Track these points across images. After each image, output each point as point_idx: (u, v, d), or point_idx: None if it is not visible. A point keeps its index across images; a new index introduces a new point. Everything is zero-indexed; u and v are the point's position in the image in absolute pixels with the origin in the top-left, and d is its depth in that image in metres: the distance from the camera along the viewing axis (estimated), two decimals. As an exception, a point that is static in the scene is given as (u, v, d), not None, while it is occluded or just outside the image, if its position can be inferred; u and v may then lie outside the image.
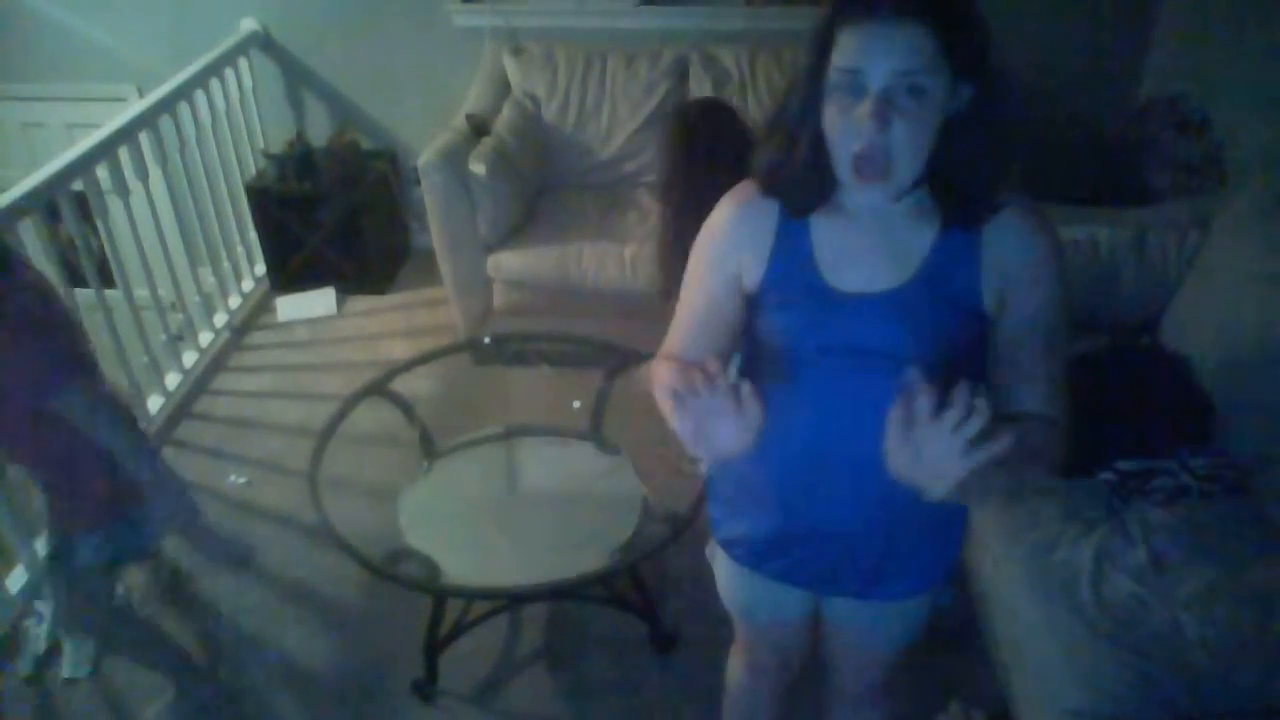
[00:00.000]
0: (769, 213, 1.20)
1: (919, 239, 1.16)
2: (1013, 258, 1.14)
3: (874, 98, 1.03)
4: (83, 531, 1.78)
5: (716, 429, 1.02)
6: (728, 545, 1.45)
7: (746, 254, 1.21)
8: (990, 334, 1.18)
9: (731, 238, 1.22)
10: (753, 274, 1.21)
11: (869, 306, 1.16)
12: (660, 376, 1.25)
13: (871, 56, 1.02)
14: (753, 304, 1.23)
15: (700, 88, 3.35)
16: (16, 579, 2.43)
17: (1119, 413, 2.18)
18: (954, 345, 1.16)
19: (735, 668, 1.72)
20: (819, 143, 1.11)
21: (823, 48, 1.07)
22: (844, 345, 1.17)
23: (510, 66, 3.46)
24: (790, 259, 1.19)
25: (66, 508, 1.77)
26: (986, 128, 1.09)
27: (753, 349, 1.26)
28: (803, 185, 1.16)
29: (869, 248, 1.17)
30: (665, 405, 1.19)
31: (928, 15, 1.01)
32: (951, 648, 2.19)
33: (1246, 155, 2.83)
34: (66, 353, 1.66)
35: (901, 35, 1.01)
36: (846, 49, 1.04)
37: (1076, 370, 2.30)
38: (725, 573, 1.50)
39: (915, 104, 1.03)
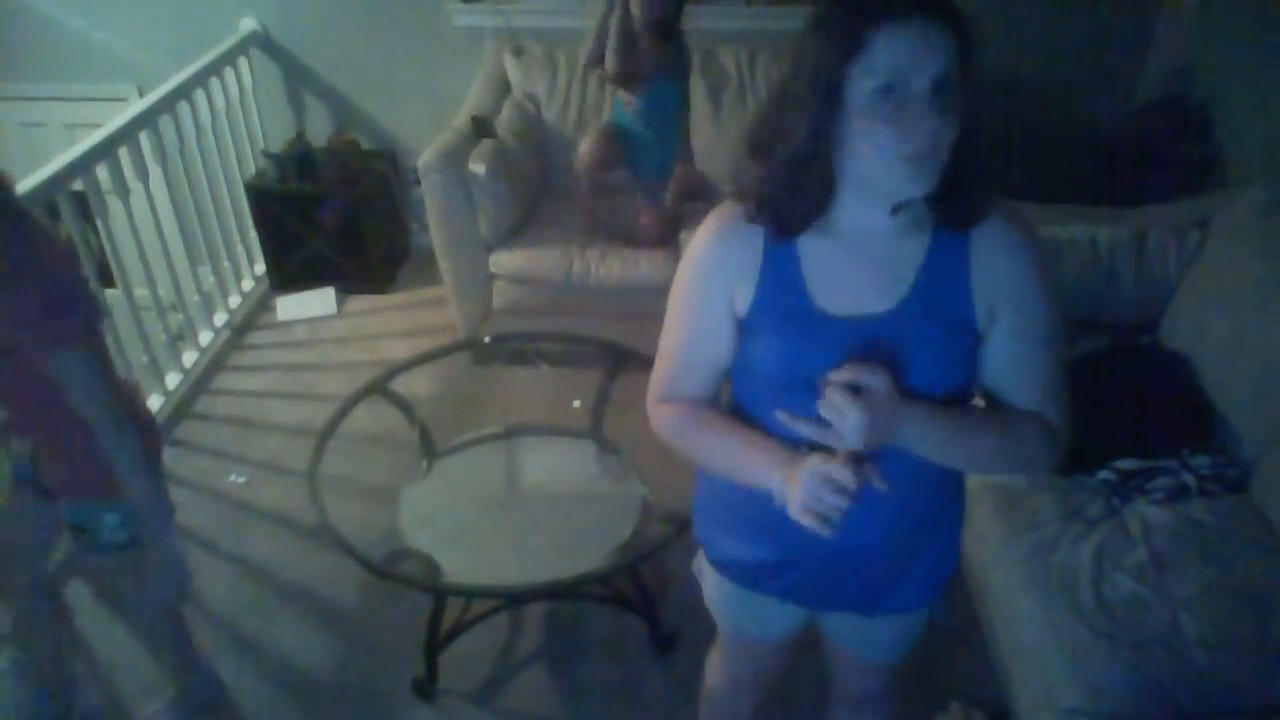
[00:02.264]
0: (754, 235, 1.16)
1: (910, 255, 1.14)
2: (1001, 269, 1.13)
3: (926, 100, 1.00)
4: (100, 505, 1.71)
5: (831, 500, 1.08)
6: (720, 565, 1.42)
7: (736, 278, 1.18)
8: (981, 345, 1.17)
9: (720, 264, 1.19)
10: (743, 298, 1.18)
11: (861, 330, 1.14)
12: (668, 423, 1.26)
13: (915, 58, 0.99)
14: (743, 329, 1.20)
15: (700, 88, 3.35)
16: (16, 579, 2.43)
17: (1119, 413, 2.18)
18: (947, 362, 1.15)
19: (714, 671, 1.71)
20: (822, 157, 1.07)
21: (844, 54, 1.01)
22: (833, 365, 1.13)
23: (510, 66, 3.47)
24: (778, 282, 1.16)
25: (80, 479, 1.70)
26: (973, 129, 1.07)
27: (743, 373, 1.24)
28: (792, 206, 1.13)
29: (860, 269, 1.15)
30: (668, 441, 1.26)
31: (949, 18, 1.01)
32: (952, 647, 2.19)
33: (1246, 155, 2.83)
34: (78, 316, 1.57)
35: (935, 35, 1.00)
36: (883, 53, 1.00)
37: (1076, 370, 2.32)
38: (716, 590, 1.48)
39: (949, 102, 1.02)
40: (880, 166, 1.05)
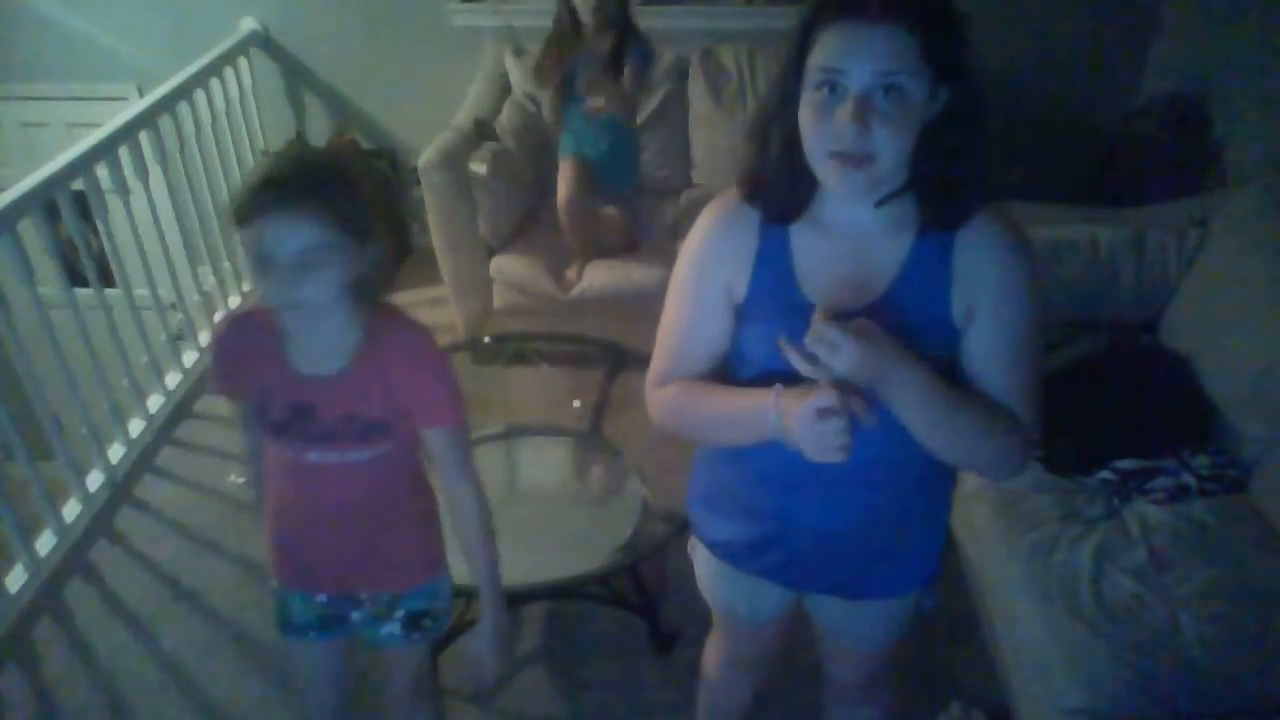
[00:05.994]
0: (750, 222, 1.19)
1: (893, 252, 1.15)
2: (983, 271, 1.14)
3: (854, 99, 1.02)
4: (439, 580, 1.59)
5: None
6: (710, 544, 1.45)
7: (733, 265, 1.20)
8: (959, 343, 1.18)
9: (718, 248, 1.22)
10: (740, 286, 1.21)
11: (842, 320, 1.14)
12: (665, 404, 1.26)
13: (854, 57, 1.01)
14: (739, 315, 1.23)
15: (700, 88, 3.35)
16: (16, 578, 2.43)
17: (1119, 413, 2.19)
18: (926, 357, 1.14)
19: (712, 657, 1.73)
20: (794, 143, 1.10)
21: (800, 47, 1.06)
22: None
23: (510, 66, 3.47)
24: (771, 271, 1.18)
25: (423, 559, 1.56)
26: (963, 131, 1.09)
27: (737, 360, 1.26)
28: (779, 189, 1.15)
29: (845, 262, 1.16)
30: (668, 424, 1.25)
31: (911, 17, 1.01)
32: (952, 647, 2.19)
33: (1246, 155, 2.83)
34: (457, 390, 1.44)
35: (885, 36, 1.01)
36: (827, 48, 1.03)
37: (1076, 370, 2.32)
38: (706, 569, 1.51)
39: (894, 105, 1.02)
40: (816, 161, 1.08)
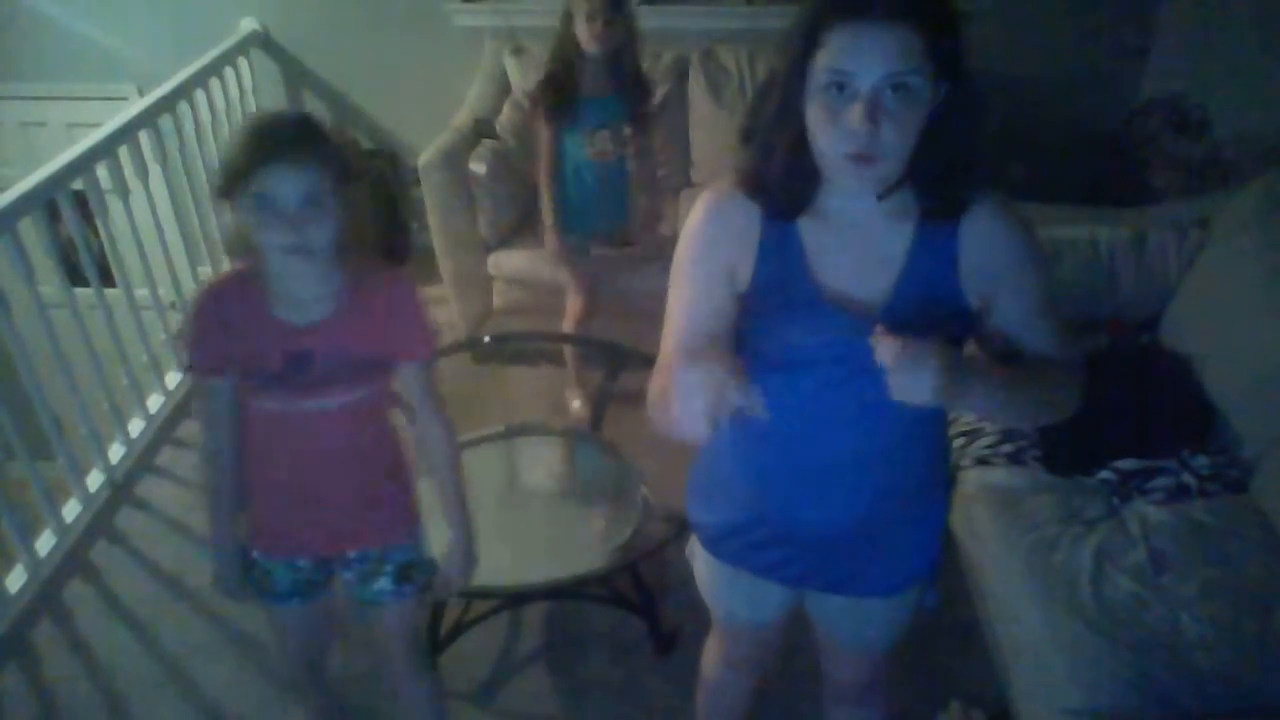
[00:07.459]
0: (751, 212, 1.18)
1: (898, 240, 1.16)
2: (993, 258, 1.16)
3: (865, 100, 1.02)
4: (416, 539, 1.67)
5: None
6: (708, 542, 1.45)
7: (735, 251, 1.19)
8: (974, 323, 1.20)
9: (718, 234, 1.20)
10: (744, 273, 1.19)
11: (857, 314, 1.15)
12: (653, 394, 1.21)
13: (862, 58, 1.02)
14: (743, 305, 1.22)
15: (700, 87, 3.35)
16: (16, 578, 2.43)
17: (1119, 413, 2.18)
18: (946, 339, 1.16)
19: (711, 658, 1.72)
20: (800, 144, 1.10)
21: (806, 48, 1.06)
22: (829, 347, 1.16)
23: (510, 66, 3.47)
24: (779, 262, 1.18)
25: (408, 515, 1.65)
26: (962, 122, 1.09)
27: (746, 352, 1.24)
28: (784, 189, 1.15)
29: (852, 251, 1.17)
30: (657, 418, 1.17)
31: (916, 16, 1.01)
32: (951, 647, 2.19)
33: (1246, 155, 2.83)
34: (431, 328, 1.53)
35: (892, 36, 1.01)
36: (834, 51, 1.03)
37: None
38: (705, 570, 1.51)
39: (901, 103, 1.03)
40: (829, 160, 1.08)
